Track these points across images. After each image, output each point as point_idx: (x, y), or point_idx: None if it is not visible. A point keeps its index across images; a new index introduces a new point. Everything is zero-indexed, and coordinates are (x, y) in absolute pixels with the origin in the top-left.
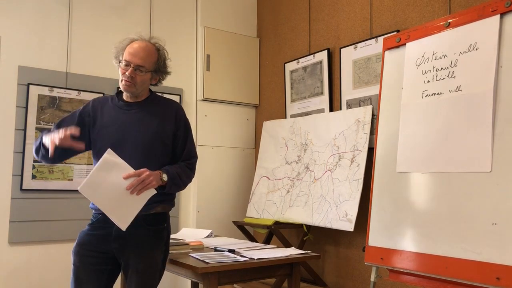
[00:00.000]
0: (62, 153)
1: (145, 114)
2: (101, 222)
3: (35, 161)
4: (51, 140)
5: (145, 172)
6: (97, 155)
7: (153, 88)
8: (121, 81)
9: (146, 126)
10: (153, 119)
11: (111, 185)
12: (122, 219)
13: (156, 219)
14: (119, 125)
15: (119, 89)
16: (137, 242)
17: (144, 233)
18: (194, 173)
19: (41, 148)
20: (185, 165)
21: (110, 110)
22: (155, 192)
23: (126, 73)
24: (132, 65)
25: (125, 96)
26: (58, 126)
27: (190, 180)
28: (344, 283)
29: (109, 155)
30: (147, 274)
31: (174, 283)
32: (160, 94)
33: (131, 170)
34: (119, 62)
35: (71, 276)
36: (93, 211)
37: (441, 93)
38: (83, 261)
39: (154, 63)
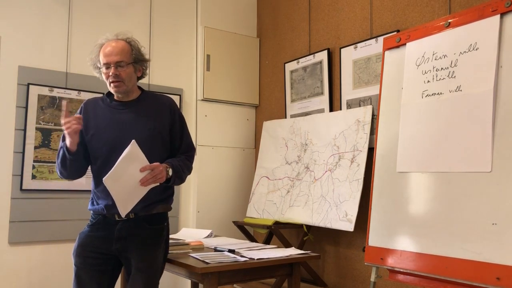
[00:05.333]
0: (76, 161)
1: (140, 112)
2: (102, 223)
3: (35, 161)
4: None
5: (159, 167)
6: (95, 158)
7: (154, 87)
8: (109, 84)
9: (143, 123)
10: (149, 115)
11: (129, 177)
12: (125, 206)
13: (157, 219)
14: (116, 125)
15: (109, 92)
16: (139, 242)
17: (145, 232)
18: (192, 165)
19: (65, 154)
20: (185, 158)
21: (104, 111)
22: (157, 184)
23: (110, 73)
24: (112, 65)
25: (116, 96)
26: (64, 139)
27: (190, 173)
28: (344, 283)
29: (133, 147)
30: (151, 273)
31: (174, 283)
32: (159, 93)
33: (147, 163)
34: (100, 69)
35: (73, 277)
36: (91, 212)
37: (441, 93)
38: (85, 262)
39: (130, 54)
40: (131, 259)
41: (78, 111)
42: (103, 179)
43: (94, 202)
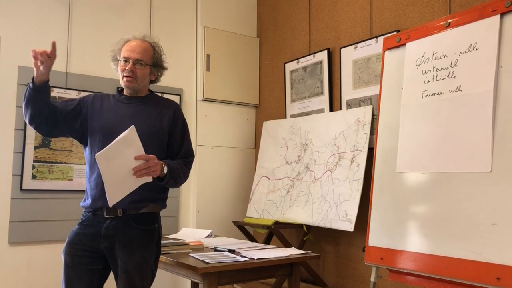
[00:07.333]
0: (40, 101)
1: (143, 108)
2: (91, 220)
3: (35, 161)
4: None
5: (154, 159)
6: (91, 147)
7: (154, 87)
8: (122, 78)
9: (143, 119)
10: (151, 114)
11: (122, 161)
12: (114, 196)
13: (146, 219)
14: (115, 117)
15: (120, 88)
16: (127, 242)
17: (133, 232)
18: (189, 172)
19: (30, 88)
20: (183, 163)
21: (110, 103)
22: (150, 180)
23: (126, 68)
24: (131, 60)
25: (125, 92)
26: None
27: (186, 179)
28: (344, 283)
29: (131, 132)
30: (137, 274)
31: (174, 283)
32: (160, 94)
33: (143, 152)
34: (118, 61)
35: (62, 276)
36: (84, 209)
37: (441, 93)
38: (75, 260)
39: (151, 57)
40: (118, 259)
41: (87, 96)
42: (96, 154)
43: (86, 198)
